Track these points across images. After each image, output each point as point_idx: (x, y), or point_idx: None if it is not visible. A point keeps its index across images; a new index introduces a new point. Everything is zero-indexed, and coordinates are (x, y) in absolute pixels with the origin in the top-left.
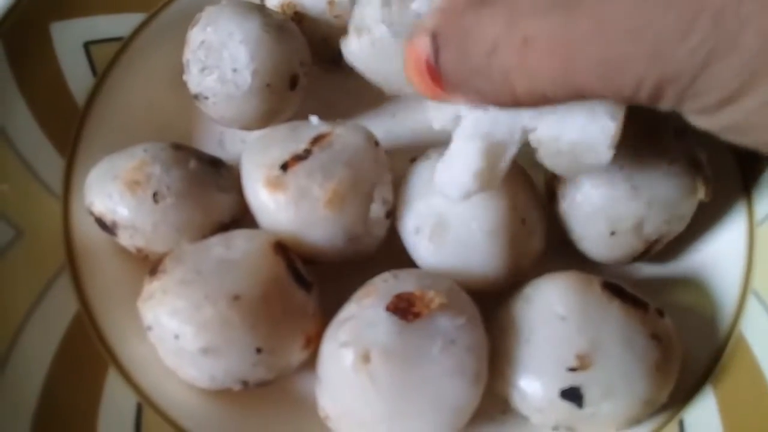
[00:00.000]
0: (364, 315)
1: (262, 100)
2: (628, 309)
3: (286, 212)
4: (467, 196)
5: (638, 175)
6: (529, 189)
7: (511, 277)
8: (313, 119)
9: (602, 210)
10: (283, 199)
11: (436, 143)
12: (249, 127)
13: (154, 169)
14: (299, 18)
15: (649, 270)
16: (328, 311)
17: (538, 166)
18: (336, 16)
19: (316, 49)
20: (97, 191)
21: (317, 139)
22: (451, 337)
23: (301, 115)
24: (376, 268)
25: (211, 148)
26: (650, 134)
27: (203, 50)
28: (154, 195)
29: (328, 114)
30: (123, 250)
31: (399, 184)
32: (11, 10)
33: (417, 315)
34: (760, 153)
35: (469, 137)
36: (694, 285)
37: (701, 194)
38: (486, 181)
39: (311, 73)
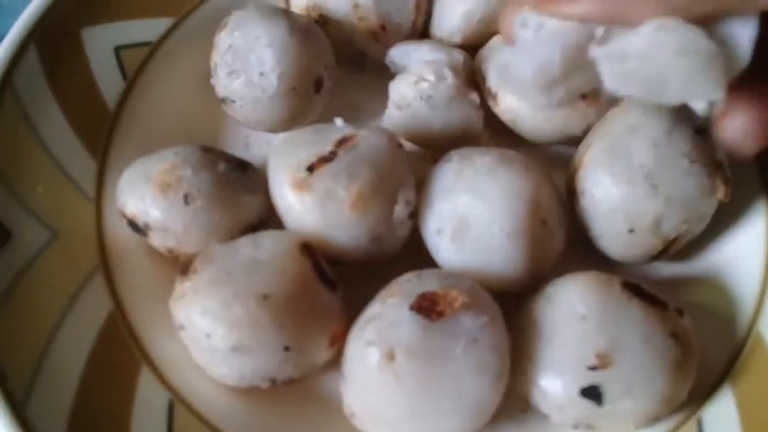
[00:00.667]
0: (388, 314)
1: (288, 103)
2: (647, 308)
3: (312, 213)
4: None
5: (658, 174)
6: (550, 189)
7: (532, 277)
8: (338, 121)
9: (621, 207)
10: (309, 201)
11: (458, 145)
12: (275, 129)
13: (184, 171)
14: (324, 20)
15: (668, 269)
16: (352, 310)
17: (561, 165)
18: (360, 18)
19: (340, 50)
20: (130, 193)
21: (342, 141)
22: (474, 335)
23: (326, 117)
24: (400, 267)
25: (238, 151)
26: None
27: (231, 54)
28: (185, 197)
29: (352, 115)
30: (154, 251)
31: (421, 186)
32: (44, 17)
33: (440, 314)
34: None
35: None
36: (714, 284)
37: (720, 194)
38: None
39: (336, 75)
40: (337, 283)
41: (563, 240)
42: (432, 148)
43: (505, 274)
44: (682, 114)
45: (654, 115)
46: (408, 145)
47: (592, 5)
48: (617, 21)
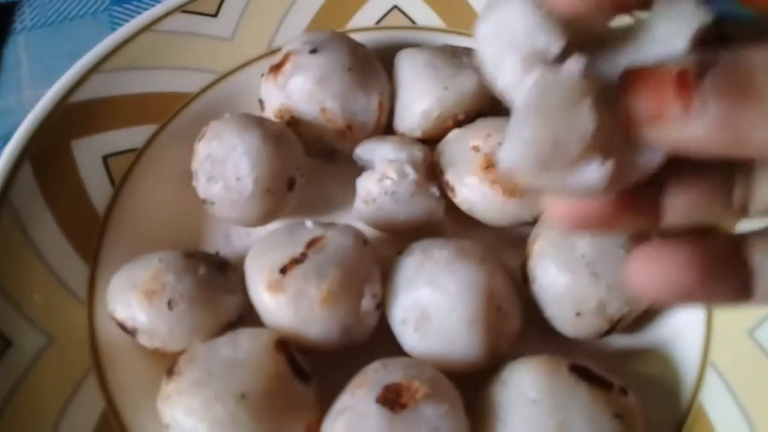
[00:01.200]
0: (356, 407)
1: (264, 202)
2: (593, 390)
3: (286, 312)
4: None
5: (598, 263)
6: (504, 277)
7: (491, 359)
8: (308, 223)
9: (567, 294)
10: (283, 300)
11: (422, 232)
12: (252, 224)
13: (168, 278)
14: (295, 122)
15: (618, 341)
16: (327, 397)
17: (516, 247)
18: (328, 120)
19: (311, 145)
20: (118, 300)
21: (311, 243)
22: (435, 425)
23: (302, 207)
24: (370, 351)
25: (219, 243)
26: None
27: (209, 162)
28: (169, 302)
29: (324, 204)
30: (144, 349)
31: (387, 274)
32: (37, 132)
33: (404, 406)
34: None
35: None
36: (659, 356)
37: None
38: None
39: (308, 168)
40: (311, 374)
41: (518, 322)
42: (398, 236)
43: (465, 359)
44: None
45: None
46: (375, 233)
47: (711, 128)
48: (735, 151)
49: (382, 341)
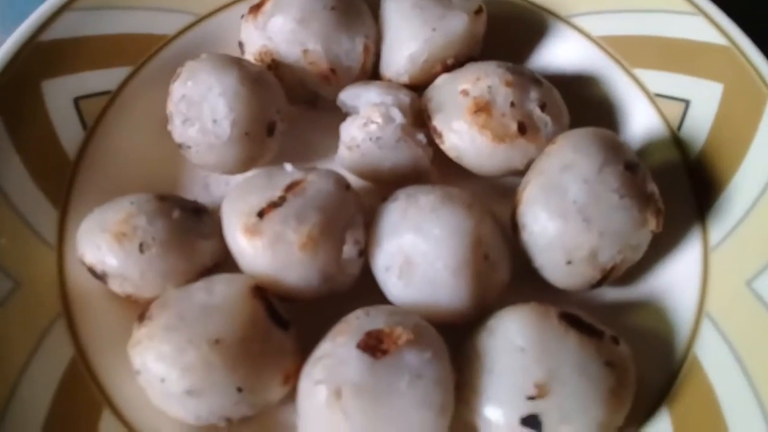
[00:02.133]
0: (337, 353)
1: (242, 147)
2: (583, 338)
3: (263, 257)
4: None
5: (590, 209)
6: (492, 224)
7: (478, 309)
8: (288, 166)
9: (557, 241)
10: (260, 245)
11: (408, 181)
12: (231, 172)
13: (139, 220)
14: (276, 65)
15: (610, 294)
16: (308, 345)
17: (506, 198)
18: (311, 63)
19: (293, 91)
20: (87, 243)
21: (291, 186)
22: (417, 371)
23: (283, 154)
24: (353, 301)
25: (197, 192)
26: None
27: (184, 103)
28: (140, 246)
29: (307, 152)
30: (116, 296)
31: (371, 221)
32: (4, 71)
33: (385, 352)
34: (714, 180)
35: None
36: (652, 309)
37: (652, 226)
38: None
39: (289, 115)
40: (290, 322)
41: (507, 272)
42: (383, 185)
43: (450, 308)
44: (612, 151)
45: (585, 153)
46: (360, 182)
47: None
48: None
49: (365, 290)
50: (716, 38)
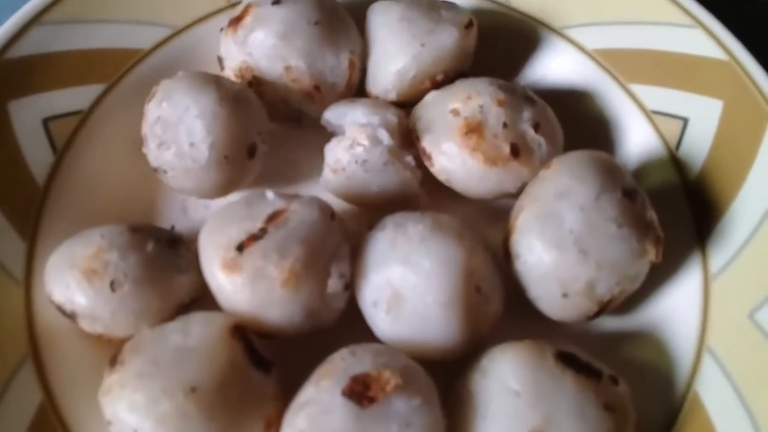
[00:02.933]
0: (321, 399)
1: (221, 171)
2: (580, 380)
3: (243, 294)
4: None
5: (587, 239)
6: (484, 254)
7: (470, 345)
8: (269, 194)
9: (553, 272)
10: (239, 281)
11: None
12: (210, 196)
13: (111, 255)
14: (257, 82)
15: (606, 324)
16: (291, 386)
17: (497, 222)
18: (293, 80)
19: (275, 109)
20: (55, 280)
21: (272, 217)
22: (406, 419)
23: (265, 176)
24: (339, 337)
25: (175, 216)
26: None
27: (160, 126)
28: (112, 283)
29: (290, 173)
30: (88, 335)
31: (357, 250)
32: None
33: (372, 400)
34: (714, 204)
35: None
36: (651, 340)
37: (651, 256)
38: None
39: (271, 134)
40: (271, 363)
41: (500, 304)
42: (370, 209)
43: (441, 344)
44: (610, 176)
45: (581, 179)
46: (345, 206)
47: None
48: None
49: (350, 326)
50: (716, 52)
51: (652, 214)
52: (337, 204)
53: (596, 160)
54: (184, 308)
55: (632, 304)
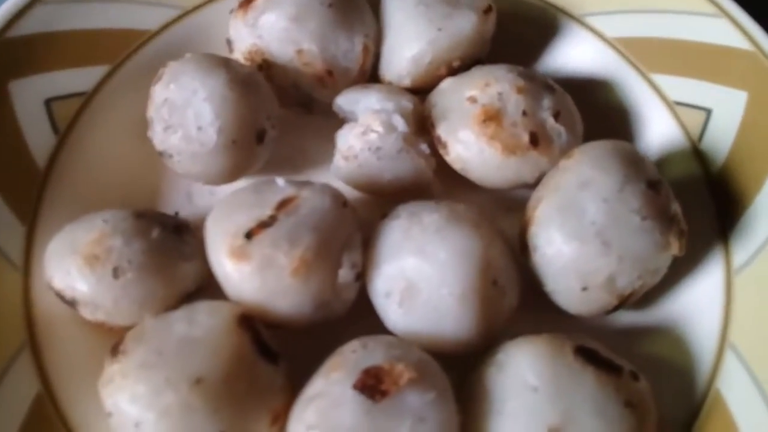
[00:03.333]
0: (331, 392)
1: (229, 156)
2: (601, 376)
3: (251, 283)
4: None
5: (609, 231)
6: (501, 246)
7: (485, 339)
8: (279, 181)
9: (573, 265)
10: (247, 270)
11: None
12: (217, 182)
13: (114, 241)
14: (267, 65)
15: (625, 318)
16: (299, 379)
17: (512, 212)
18: (305, 64)
19: (285, 94)
20: (56, 266)
21: (283, 204)
22: (420, 414)
23: (274, 163)
24: (349, 329)
25: (179, 203)
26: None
27: (167, 108)
28: (115, 270)
29: (300, 160)
30: (87, 323)
31: (369, 240)
32: None
33: (385, 393)
34: (738, 197)
35: None
36: (671, 336)
37: (675, 249)
38: None
39: (282, 120)
40: (279, 354)
41: (516, 297)
42: (382, 197)
43: (456, 337)
44: (634, 167)
45: (605, 170)
46: (356, 193)
47: None
48: None
49: (362, 317)
50: (741, 42)
51: (676, 207)
52: (348, 192)
53: (620, 150)
54: (189, 297)
55: (652, 299)
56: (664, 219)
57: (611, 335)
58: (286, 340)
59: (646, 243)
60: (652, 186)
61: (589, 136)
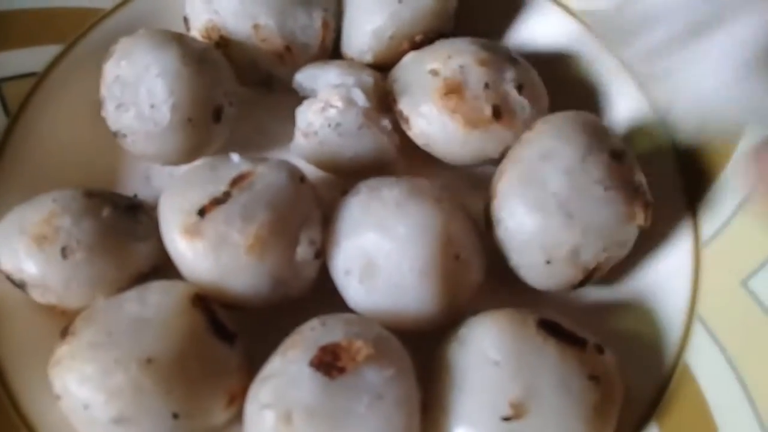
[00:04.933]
0: (287, 371)
1: (185, 135)
2: (564, 349)
3: (205, 261)
4: None
5: (572, 202)
6: (463, 220)
7: (448, 315)
8: (234, 157)
9: (536, 238)
10: (201, 247)
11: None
12: (174, 162)
13: (63, 221)
14: (225, 42)
15: (592, 294)
16: (258, 360)
17: (479, 190)
18: (263, 40)
19: (244, 72)
20: (4, 247)
21: (237, 180)
22: (378, 391)
23: (234, 143)
24: (309, 309)
25: (137, 185)
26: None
27: (118, 86)
28: (63, 250)
29: (261, 140)
30: (40, 306)
31: (330, 218)
32: None
33: (342, 370)
34: (705, 170)
35: None
36: (639, 310)
37: (640, 220)
38: None
39: (241, 98)
40: (236, 334)
41: (480, 272)
42: (344, 176)
43: (418, 314)
44: (596, 137)
45: (566, 140)
46: (318, 172)
47: None
48: None
49: (322, 296)
50: None
51: (641, 177)
52: (309, 171)
53: (582, 120)
54: (144, 278)
55: (619, 273)
56: (628, 189)
57: (579, 311)
58: (245, 320)
59: (609, 214)
60: (616, 156)
61: (556, 109)
